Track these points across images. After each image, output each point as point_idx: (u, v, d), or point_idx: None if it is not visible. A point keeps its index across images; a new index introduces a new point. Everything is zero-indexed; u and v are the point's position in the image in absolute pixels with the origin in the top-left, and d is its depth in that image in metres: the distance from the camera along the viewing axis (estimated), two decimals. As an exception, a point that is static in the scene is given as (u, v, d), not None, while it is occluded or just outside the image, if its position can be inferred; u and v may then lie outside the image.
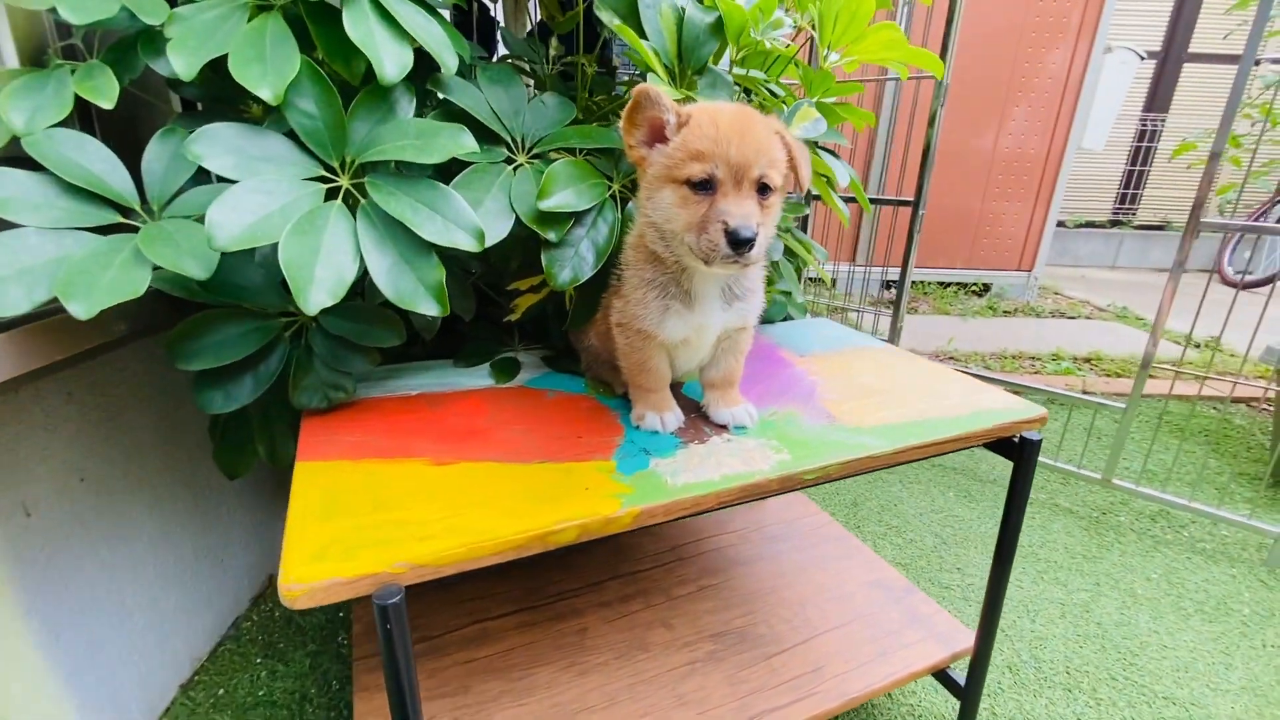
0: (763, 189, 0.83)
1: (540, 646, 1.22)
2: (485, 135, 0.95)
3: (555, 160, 0.94)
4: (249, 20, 0.82)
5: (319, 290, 0.73)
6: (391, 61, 0.80)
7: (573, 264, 0.94)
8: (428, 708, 1.08)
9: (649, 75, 0.91)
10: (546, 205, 0.89)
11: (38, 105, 0.78)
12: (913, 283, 4.94)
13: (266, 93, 0.76)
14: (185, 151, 0.74)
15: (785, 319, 1.56)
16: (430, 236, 0.80)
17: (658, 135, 0.81)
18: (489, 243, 0.87)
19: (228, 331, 0.89)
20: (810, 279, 3.14)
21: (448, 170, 0.90)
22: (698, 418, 1.02)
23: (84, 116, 1.02)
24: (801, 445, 0.94)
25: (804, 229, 2.49)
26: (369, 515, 0.74)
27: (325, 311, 0.93)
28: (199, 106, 1.02)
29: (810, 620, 1.32)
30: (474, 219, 0.83)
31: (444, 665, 1.17)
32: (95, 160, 0.80)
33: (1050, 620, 1.67)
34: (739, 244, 0.78)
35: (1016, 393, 2.89)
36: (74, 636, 1.10)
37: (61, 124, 0.81)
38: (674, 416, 0.98)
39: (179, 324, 0.87)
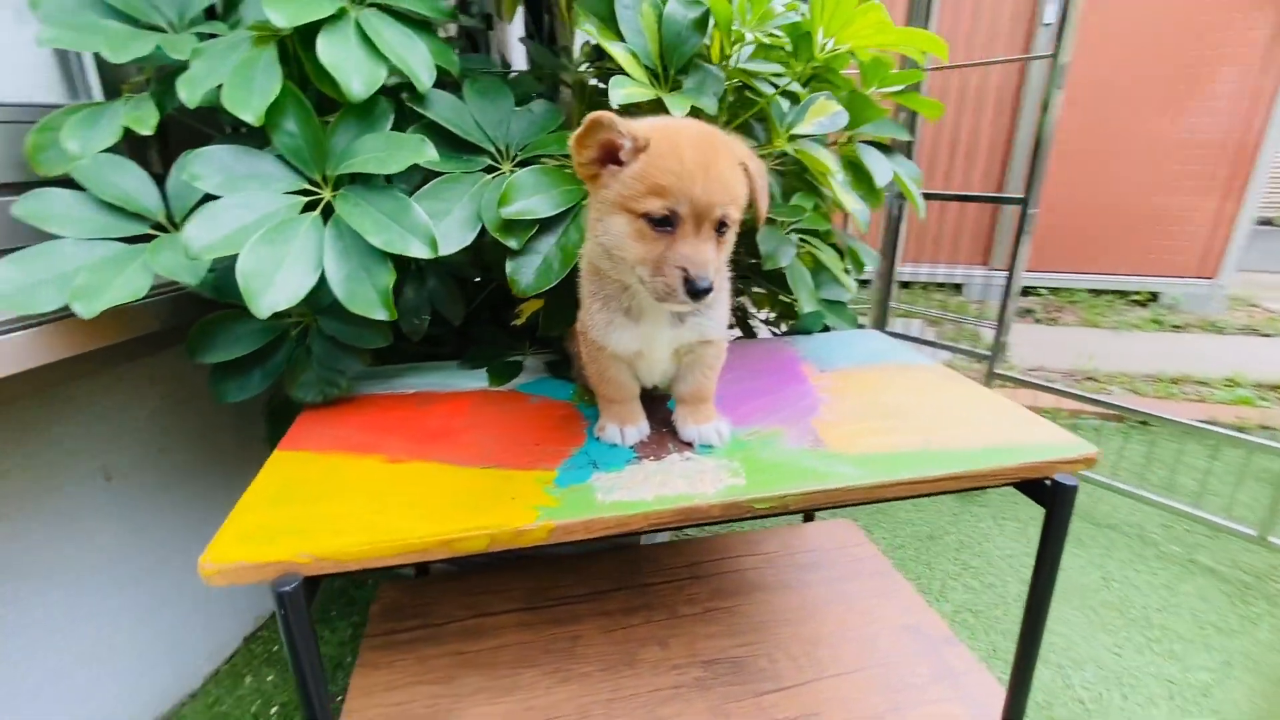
0: (720, 226, 0.79)
1: (532, 648, 1.23)
2: (464, 146, 0.98)
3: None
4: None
5: (275, 294, 0.80)
6: (358, 81, 0.85)
7: (538, 271, 0.94)
8: (410, 693, 1.14)
9: (613, 79, 0.88)
10: (508, 212, 0.90)
11: (91, 135, 0.92)
12: (1054, 289, 4.36)
13: (249, 116, 0.84)
14: (182, 172, 0.84)
15: (824, 329, 1.44)
16: (382, 245, 0.84)
17: (611, 155, 0.76)
18: (449, 250, 0.89)
19: (237, 330, 0.99)
20: (901, 285, 2.87)
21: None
22: (669, 433, 0.98)
23: (165, 143, 1.20)
24: (766, 469, 0.87)
25: (897, 233, 2.28)
26: (306, 505, 0.79)
27: (322, 313, 1.02)
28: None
29: (820, 660, 1.21)
30: (428, 226, 0.86)
31: (436, 654, 1.22)
32: (130, 180, 0.93)
33: (1151, 699, 1.40)
34: (697, 293, 0.74)
35: (1144, 423, 2.45)
36: (145, 588, 1.29)
37: (134, 150, 0.96)
38: (636, 430, 0.94)
39: (196, 323, 0.98)
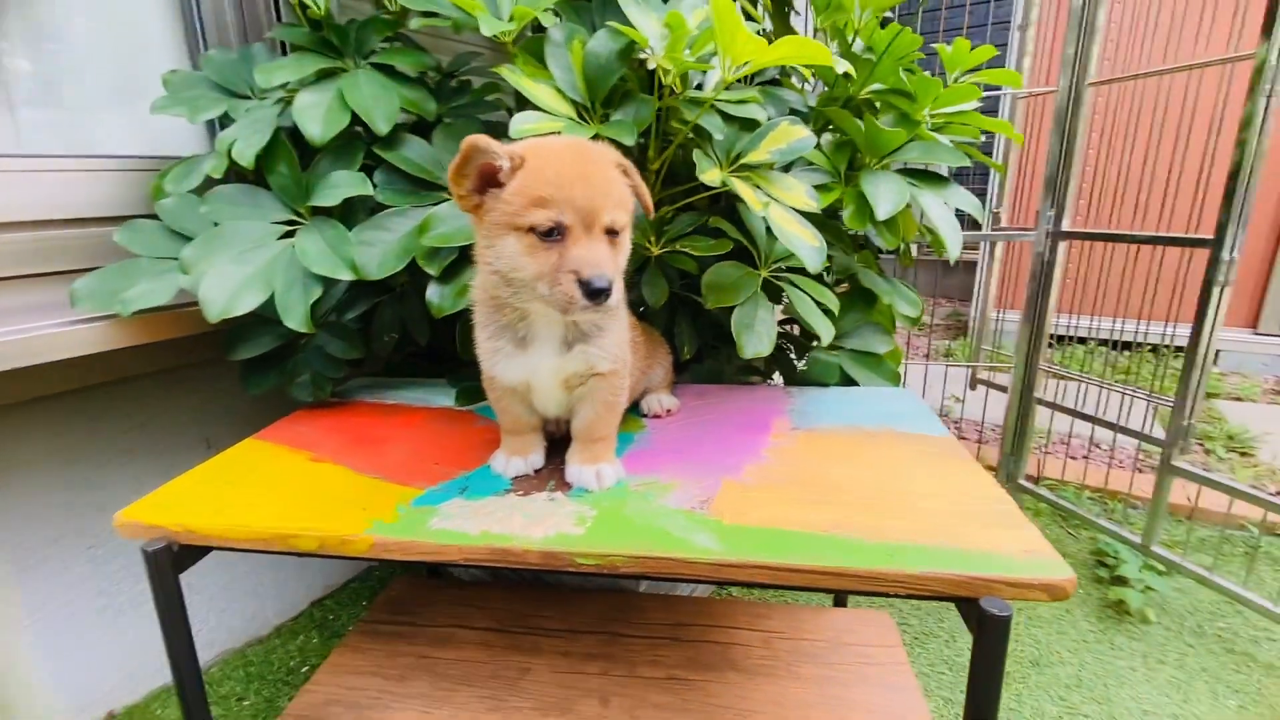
0: (610, 231, 0.77)
1: (482, 669, 1.25)
2: (422, 184, 1.07)
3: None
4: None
5: (228, 304, 0.96)
6: (317, 128, 0.99)
7: (454, 294, 0.98)
8: (365, 681, 1.22)
9: (520, 114, 0.89)
10: (426, 240, 0.96)
11: (184, 180, 1.20)
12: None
13: (244, 161, 1.03)
14: (202, 205, 1.06)
15: (847, 383, 1.25)
16: (315, 268, 0.96)
17: (490, 180, 0.78)
18: (380, 274, 0.99)
19: (260, 335, 1.19)
20: (1121, 346, 2.33)
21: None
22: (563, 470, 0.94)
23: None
24: (617, 523, 0.79)
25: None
26: (222, 485, 0.92)
27: (320, 327, 1.18)
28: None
29: (764, 768, 1.03)
30: (350, 255, 0.96)
31: (404, 652, 1.30)
32: (194, 215, 1.19)
33: None
34: (595, 294, 0.74)
35: None
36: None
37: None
38: (523, 462, 0.93)
39: (231, 327, 1.21)
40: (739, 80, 1.08)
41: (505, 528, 0.79)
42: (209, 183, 1.20)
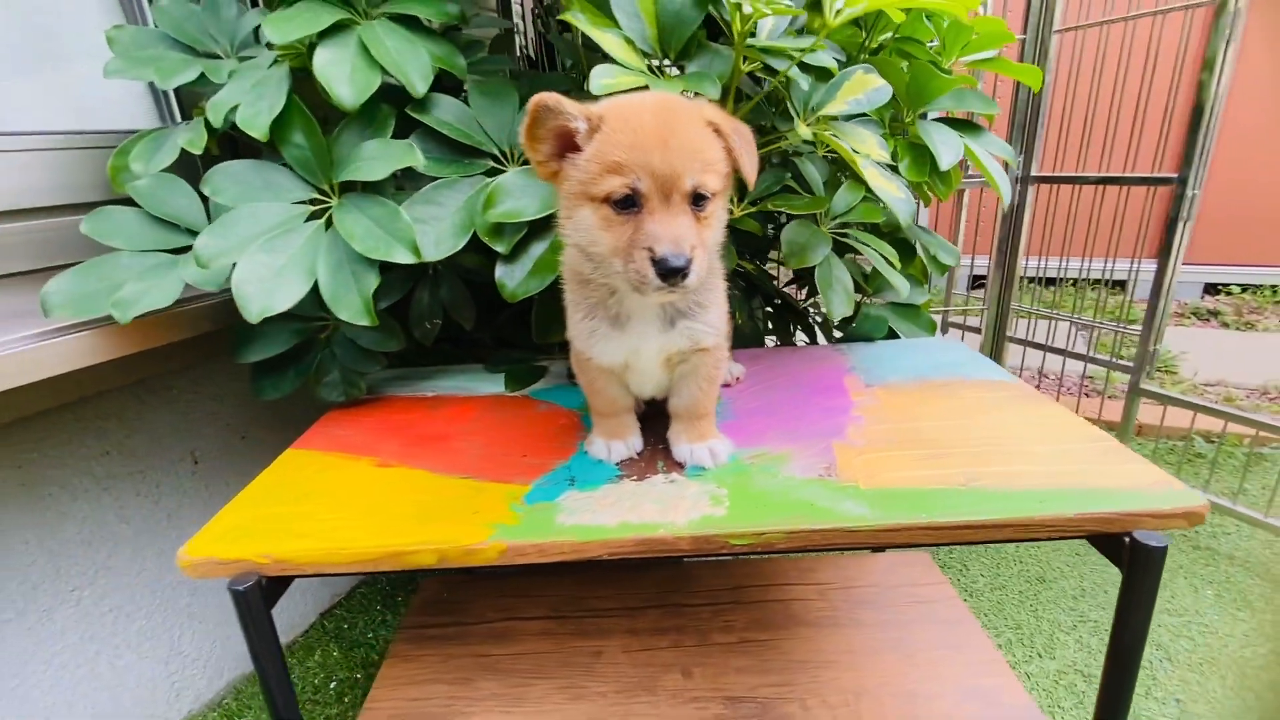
0: (698, 199, 0.70)
1: (550, 659, 1.21)
2: (465, 150, 0.96)
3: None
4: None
5: (267, 300, 0.83)
6: (348, 90, 0.86)
7: (529, 274, 0.90)
8: (428, 690, 1.15)
9: (595, 68, 0.81)
10: (494, 215, 0.87)
11: (154, 157, 1.03)
12: (1249, 287, 3.59)
13: (256, 132, 0.89)
14: (205, 186, 0.91)
15: (891, 335, 1.27)
16: (367, 251, 0.85)
17: (568, 144, 0.71)
18: (438, 255, 0.88)
19: (272, 332, 1.06)
20: (1047, 282, 2.48)
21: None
22: (665, 450, 0.90)
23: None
24: (755, 499, 0.76)
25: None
26: (287, 506, 0.81)
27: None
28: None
29: (860, 715, 1.06)
30: (410, 233, 0.85)
31: (460, 653, 1.23)
32: (179, 197, 1.02)
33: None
34: (669, 274, 0.67)
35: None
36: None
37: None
38: (624, 446, 0.88)
39: (238, 326, 1.06)
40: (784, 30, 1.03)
41: (642, 516, 0.74)
42: (185, 158, 1.03)
